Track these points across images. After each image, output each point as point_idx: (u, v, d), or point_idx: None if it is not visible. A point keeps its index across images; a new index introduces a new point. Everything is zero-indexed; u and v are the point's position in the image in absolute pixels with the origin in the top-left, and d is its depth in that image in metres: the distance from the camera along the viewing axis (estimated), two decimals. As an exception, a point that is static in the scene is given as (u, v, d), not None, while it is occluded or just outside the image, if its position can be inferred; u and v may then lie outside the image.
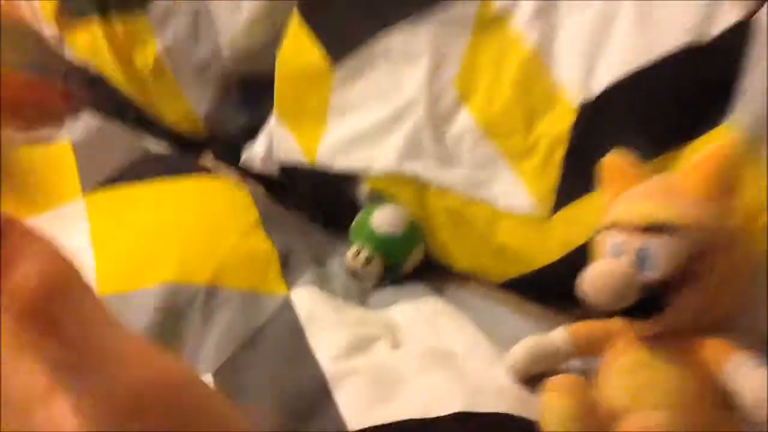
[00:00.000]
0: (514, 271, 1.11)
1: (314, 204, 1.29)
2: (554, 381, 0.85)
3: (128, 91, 1.47)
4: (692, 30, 1.01)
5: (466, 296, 1.12)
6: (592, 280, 0.83)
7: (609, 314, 0.88)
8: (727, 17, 1.00)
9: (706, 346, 0.83)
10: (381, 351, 0.98)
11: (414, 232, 1.17)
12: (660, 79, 1.04)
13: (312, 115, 1.27)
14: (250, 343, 0.93)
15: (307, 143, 1.28)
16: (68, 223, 1.13)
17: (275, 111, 1.32)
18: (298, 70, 1.28)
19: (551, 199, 1.06)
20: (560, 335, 0.94)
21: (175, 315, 0.97)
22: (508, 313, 1.07)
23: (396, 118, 1.20)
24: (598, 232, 0.90)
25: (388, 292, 1.13)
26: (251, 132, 1.38)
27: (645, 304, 0.83)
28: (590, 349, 0.91)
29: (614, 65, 1.08)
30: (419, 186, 1.17)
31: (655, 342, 0.86)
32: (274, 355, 0.92)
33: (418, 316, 1.05)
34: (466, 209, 1.13)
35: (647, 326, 0.86)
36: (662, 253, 0.83)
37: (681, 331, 0.85)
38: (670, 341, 0.85)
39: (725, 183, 0.86)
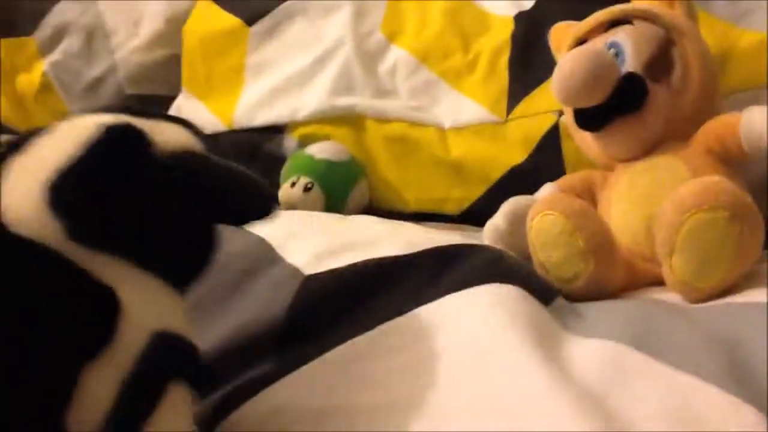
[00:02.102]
0: (471, 194, 1.05)
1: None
2: (542, 200, 0.77)
3: (6, 116, 1.37)
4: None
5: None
6: (568, 63, 0.79)
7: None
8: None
9: (708, 126, 0.80)
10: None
11: (355, 164, 1.09)
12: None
13: (225, 80, 1.21)
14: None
15: (221, 108, 1.20)
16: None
17: (183, 85, 1.25)
18: (209, 37, 1.23)
19: (503, 102, 1.03)
20: (548, 188, 0.88)
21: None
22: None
23: (320, 62, 1.15)
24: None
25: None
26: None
27: (623, 99, 0.79)
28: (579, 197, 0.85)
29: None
30: (355, 122, 1.10)
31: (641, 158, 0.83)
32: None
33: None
34: (411, 133, 1.07)
35: (628, 136, 0.82)
36: (630, 42, 0.82)
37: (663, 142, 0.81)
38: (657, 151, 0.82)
39: None
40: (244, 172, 0.58)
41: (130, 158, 0.54)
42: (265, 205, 0.58)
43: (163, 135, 0.56)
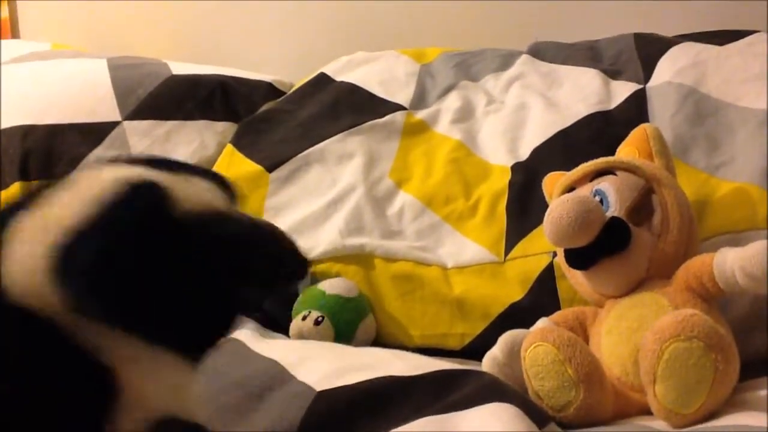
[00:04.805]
0: (473, 329, 1.10)
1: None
2: (535, 332, 0.83)
3: None
4: (595, 105, 1.19)
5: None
6: (558, 209, 0.86)
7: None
8: (622, 91, 1.19)
9: (687, 265, 0.87)
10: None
11: (363, 300, 1.15)
12: (578, 133, 1.17)
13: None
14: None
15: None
16: None
17: None
18: (232, 181, 1.29)
19: (502, 243, 1.10)
20: (542, 323, 0.93)
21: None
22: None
23: (334, 204, 1.23)
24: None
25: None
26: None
27: (608, 241, 0.86)
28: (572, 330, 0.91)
29: (535, 137, 1.19)
30: (364, 260, 1.17)
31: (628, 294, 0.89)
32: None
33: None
34: (416, 272, 1.13)
35: (614, 274, 0.89)
36: (614, 190, 0.90)
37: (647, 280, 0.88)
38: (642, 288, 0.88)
39: (648, 148, 0.97)
40: (273, 231, 0.51)
41: (147, 221, 0.47)
42: (294, 268, 0.53)
43: (187, 191, 0.50)
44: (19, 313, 0.45)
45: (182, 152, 1.39)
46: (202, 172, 0.55)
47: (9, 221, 0.48)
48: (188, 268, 0.48)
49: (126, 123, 1.43)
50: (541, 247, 1.05)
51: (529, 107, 1.23)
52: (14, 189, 1.42)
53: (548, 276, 1.04)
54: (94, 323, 0.45)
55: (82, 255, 0.45)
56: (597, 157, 0.97)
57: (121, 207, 0.47)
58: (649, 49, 1.23)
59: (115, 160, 0.53)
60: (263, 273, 0.51)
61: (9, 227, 0.47)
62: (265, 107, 1.43)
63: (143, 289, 0.47)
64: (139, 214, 0.47)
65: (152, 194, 0.48)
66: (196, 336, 0.51)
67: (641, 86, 1.18)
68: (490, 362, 0.91)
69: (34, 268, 0.45)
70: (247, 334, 0.97)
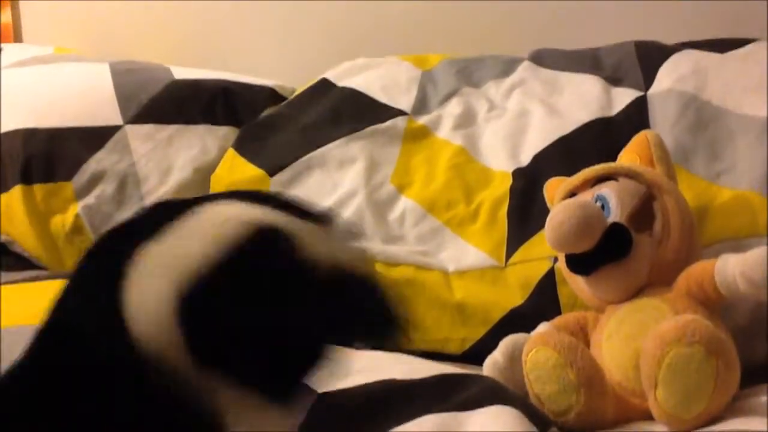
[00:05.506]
0: (473, 334, 1.10)
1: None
2: (536, 336, 0.84)
3: (36, 255, 1.44)
4: (596, 112, 1.20)
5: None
6: (559, 214, 0.87)
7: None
8: (623, 98, 1.20)
9: (688, 271, 0.87)
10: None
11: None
12: (579, 139, 1.18)
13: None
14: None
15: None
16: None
17: None
18: (234, 184, 1.31)
19: (503, 248, 1.11)
20: (543, 327, 0.94)
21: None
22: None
23: (335, 209, 1.22)
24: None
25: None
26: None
27: (609, 247, 0.87)
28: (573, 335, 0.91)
29: (536, 143, 1.20)
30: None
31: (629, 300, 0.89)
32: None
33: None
34: (417, 276, 1.13)
35: (615, 280, 0.89)
36: (615, 196, 0.91)
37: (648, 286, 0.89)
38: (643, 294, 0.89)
39: (649, 154, 0.98)
40: (382, 295, 0.51)
41: (276, 274, 0.46)
42: (395, 330, 0.51)
43: (311, 240, 0.48)
44: (147, 365, 0.44)
45: (184, 156, 1.40)
46: (321, 214, 0.52)
47: (129, 249, 0.47)
48: (309, 324, 0.47)
49: (128, 127, 1.43)
50: (542, 252, 1.05)
51: (530, 113, 1.24)
52: (15, 192, 1.43)
53: (549, 281, 1.04)
54: (206, 367, 0.45)
55: (206, 303, 0.45)
56: (598, 163, 0.98)
57: (249, 255, 0.46)
58: (650, 57, 1.24)
59: (236, 196, 0.50)
60: (371, 333, 0.52)
61: (131, 256, 0.47)
62: (266, 112, 1.43)
63: (265, 343, 0.46)
64: (267, 265, 0.46)
65: (280, 244, 0.47)
66: (292, 382, 0.50)
67: (642, 93, 1.19)
68: (491, 366, 0.91)
69: (158, 307, 0.45)
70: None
